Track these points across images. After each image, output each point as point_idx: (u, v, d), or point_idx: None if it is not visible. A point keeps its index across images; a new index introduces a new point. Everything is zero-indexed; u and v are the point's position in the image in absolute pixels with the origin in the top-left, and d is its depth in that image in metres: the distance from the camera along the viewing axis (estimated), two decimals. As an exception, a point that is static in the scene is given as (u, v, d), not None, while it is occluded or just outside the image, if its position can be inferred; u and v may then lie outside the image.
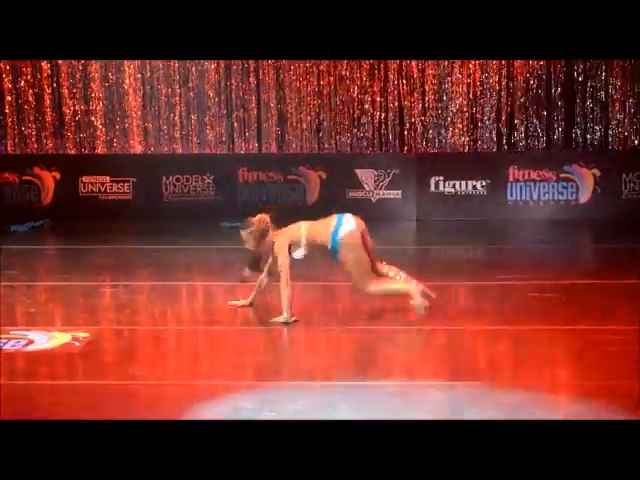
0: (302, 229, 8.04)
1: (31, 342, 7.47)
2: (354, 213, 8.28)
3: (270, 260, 8.20)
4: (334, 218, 8.09)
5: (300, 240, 7.99)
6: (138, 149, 15.81)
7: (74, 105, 15.76)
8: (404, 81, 15.42)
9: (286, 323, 7.83)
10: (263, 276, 8.37)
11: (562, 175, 14.79)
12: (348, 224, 8.02)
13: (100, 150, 15.83)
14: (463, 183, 14.90)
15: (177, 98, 15.73)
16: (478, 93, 15.38)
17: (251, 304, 8.43)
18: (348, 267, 8.06)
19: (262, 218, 8.08)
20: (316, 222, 8.16)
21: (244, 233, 8.10)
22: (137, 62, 15.49)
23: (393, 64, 15.30)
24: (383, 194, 14.95)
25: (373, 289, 8.09)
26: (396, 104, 15.47)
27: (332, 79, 15.50)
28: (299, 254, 8.04)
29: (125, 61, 15.36)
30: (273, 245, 8.00)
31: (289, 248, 7.97)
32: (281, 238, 7.99)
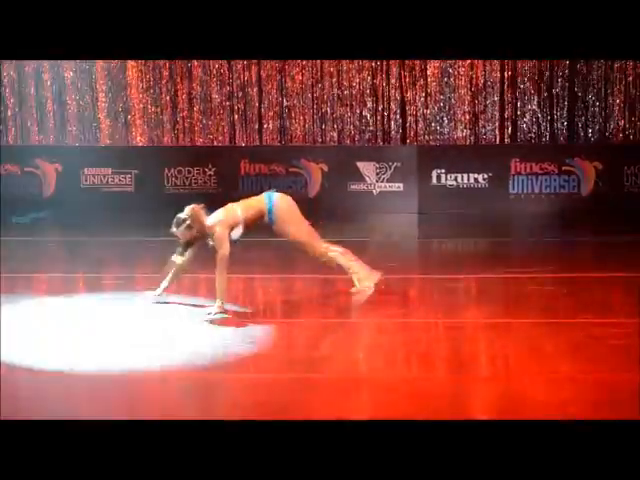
0: (238, 211, 8.12)
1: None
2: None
3: (195, 248, 8.20)
4: (264, 195, 8.44)
5: (238, 222, 8.07)
6: (140, 141, 15.81)
7: (76, 96, 15.74)
8: (406, 73, 15.40)
9: (222, 313, 7.83)
10: (182, 262, 8.32)
11: (564, 168, 14.78)
12: (279, 195, 8.41)
13: (102, 142, 15.83)
14: (465, 176, 14.90)
15: (179, 90, 15.71)
16: (480, 85, 15.36)
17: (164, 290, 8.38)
18: (293, 236, 8.38)
19: (193, 210, 8.03)
20: (247, 200, 8.39)
21: (177, 230, 8.03)
22: (139, 54, 15.46)
23: (395, 56, 15.28)
24: (385, 187, 14.94)
25: (326, 256, 8.45)
26: (398, 96, 15.46)
27: (334, 71, 15.49)
28: (237, 234, 8.09)
29: (127, 53, 15.33)
30: (213, 234, 7.98)
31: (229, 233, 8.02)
32: (220, 227, 7.98)
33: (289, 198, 8.48)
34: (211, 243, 8.07)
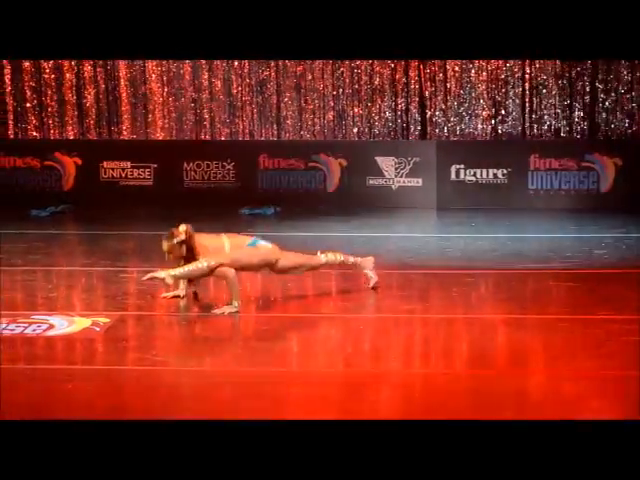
0: (239, 253, 8.07)
1: (52, 327, 7.52)
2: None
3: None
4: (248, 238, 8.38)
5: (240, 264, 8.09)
6: (159, 135, 15.84)
7: (95, 90, 15.79)
8: (426, 68, 15.37)
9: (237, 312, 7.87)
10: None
11: (583, 164, 14.73)
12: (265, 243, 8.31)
13: (121, 135, 15.87)
14: (484, 171, 14.86)
15: (199, 84, 15.73)
16: (500, 81, 15.32)
17: (183, 296, 8.37)
18: (292, 268, 8.38)
19: (188, 230, 8.00)
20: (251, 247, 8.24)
21: (168, 244, 7.99)
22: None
23: (415, 51, 15.21)
24: (403, 182, 14.92)
25: (326, 260, 8.50)
26: (417, 91, 15.43)
27: (352, 65, 15.47)
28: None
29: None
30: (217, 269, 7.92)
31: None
32: (230, 271, 7.92)
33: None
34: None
